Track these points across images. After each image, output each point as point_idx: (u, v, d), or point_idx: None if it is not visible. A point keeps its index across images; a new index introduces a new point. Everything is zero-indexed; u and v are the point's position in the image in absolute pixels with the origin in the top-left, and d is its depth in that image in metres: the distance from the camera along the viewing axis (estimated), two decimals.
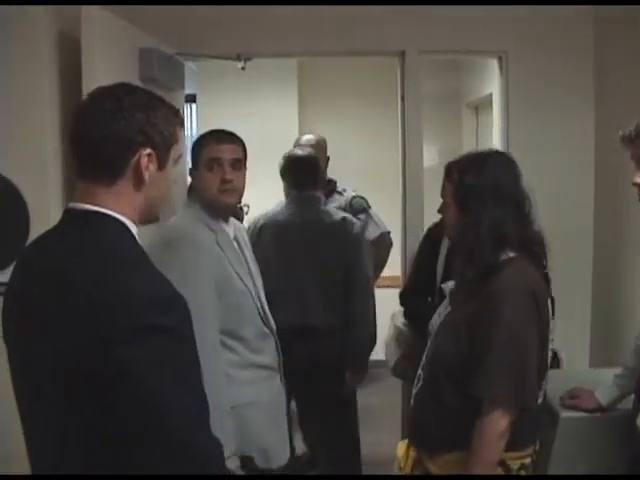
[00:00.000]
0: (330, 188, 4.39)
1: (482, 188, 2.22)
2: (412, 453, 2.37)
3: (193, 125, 6.79)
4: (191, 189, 4.19)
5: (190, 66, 4.39)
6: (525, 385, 2.11)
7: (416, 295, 3.24)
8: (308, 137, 4.53)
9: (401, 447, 2.44)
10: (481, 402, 2.10)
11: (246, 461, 2.42)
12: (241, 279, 2.60)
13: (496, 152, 2.47)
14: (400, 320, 3.33)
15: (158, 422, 1.40)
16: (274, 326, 2.75)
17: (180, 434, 1.41)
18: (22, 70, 2.99)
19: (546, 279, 2.30)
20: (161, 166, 1.60)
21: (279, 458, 2.63)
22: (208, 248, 2.54)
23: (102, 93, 1.59)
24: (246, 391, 2.56)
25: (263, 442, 2.59)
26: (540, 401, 2.22)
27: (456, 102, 6.80)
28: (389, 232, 4.45)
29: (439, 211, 2.44)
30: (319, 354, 3.48)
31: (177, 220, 2.66)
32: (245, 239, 2.84)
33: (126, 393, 1.39)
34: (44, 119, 3.03)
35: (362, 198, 4.44)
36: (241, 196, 2.75)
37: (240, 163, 2.66)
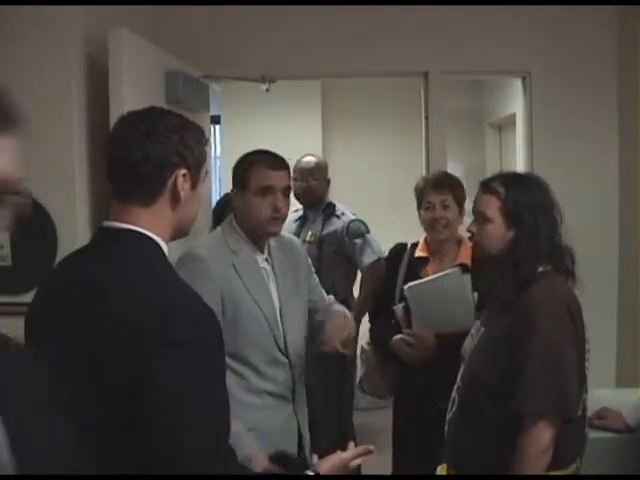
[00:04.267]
0: (329, 212, 4.37)
1: (534, 203, 2.25)
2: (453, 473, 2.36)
3: (217, 146, 6.83)
4: (216, 209, 4.25)
5: (214, 88, 4.43)
6: (566, 397, 2.11)
7: (378, 314, 3.27)
8: (307, 159, 4.46)
9: (441, 470, 2.43)
10: (522, 419, 2.11)
11: None
12: (257, 304, 2.54)
13: (530, 173, 2.47)
14: (365, 339, 3.38)
15: (174, 445, 1.41)
16: (299, 353, 2.66)
17: (191, 461, 1.42)
18: (49, 92, 3.04)
19: None
20: (194, 185, 1.65)
21: None
22: (214, 271, 2.46)
23: (135, 117, 1.63)
24: (247, 416, 2.37)
25: None
26: (580, 413, 2.20)
27: (479, 121, 6.80)
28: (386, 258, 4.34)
29: (469, 229, 2.41)
30: None
31: (199, 240, 2.65)
32: (283, 258, 2.73)
33: (150, 410, 1.41)
34: (72, 142, 3.07)
35: (362, 222, 4.34)
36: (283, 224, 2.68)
37: (289, 190, 2.60)
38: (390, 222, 4.30)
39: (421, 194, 3.13)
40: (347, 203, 4.55)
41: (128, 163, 1.57)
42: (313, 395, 4.04)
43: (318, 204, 4.40)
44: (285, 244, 2.79)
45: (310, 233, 4.34)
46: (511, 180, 2.34)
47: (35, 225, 3.06)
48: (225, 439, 1.52)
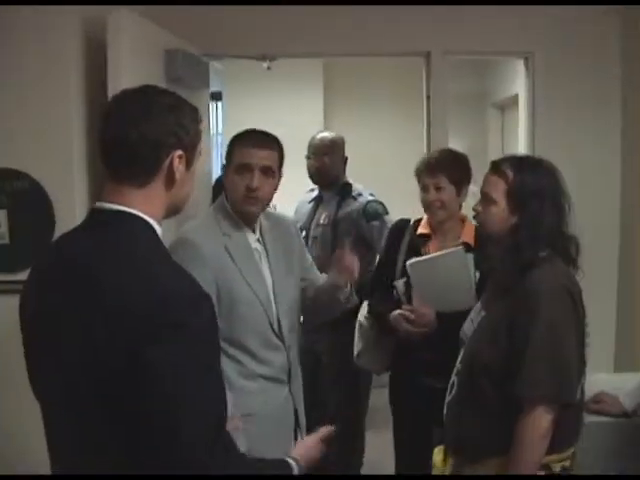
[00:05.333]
0: (345, 192, 4.12)
1: (541, 189, 2.23)
2: (451, 460, 2.35)
3: (218, 123, 6.77)
4: (217, 185, 4.22)
5: (217, 66, 4.39)
6: (566, 382, 2.11)
7: (379, 289, 3.27)
8: (321, 136, 4.21)
9: (438, 454, 2.43)
10: (522, 402, 2.11)
11: None
12: (251, 288, 2.52)
13: (543, 159, 2.40)
14: (363, 313, 3.37)
15: (172, 430, 1.41)
16: (293, 335, 2.68)
17: (191, 448, 1.41)
18: (48, 71, 3.02)
19: None
20: (189, 165, 1.63)
21: None
22: (207, 256, 2.44)
23: (131, 95, 1.60)
24: (245, 402, 2.38)
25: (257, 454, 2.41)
26: (578, 398, 2.20)
27: (481, 102, 6.77)
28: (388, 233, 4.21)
29: (474, 208, 2.40)
30: None
31: (191, 224, 2.62)
32: (275, 237, 2.71)
33: (146, 394, 1.40)
34: (70, 119, 3.05)
35: (379, 203, 4.08)
36: (266, 205, 2.62)
37: (270, 171, 2.53)
38: (391, 201, 4.25)
39: (418, 176, 3.12)
40: None
41: (124, 143, 1.54)
42: (328, 372, 4.04)
43: (333, 184, 4.14)
44: (277, 223, 2.77)
45: (324, 215, 4.13)
46: (521, 164, 2.31)
47: (33, 203, 3.06)
48: (224, 423, 1.51)
